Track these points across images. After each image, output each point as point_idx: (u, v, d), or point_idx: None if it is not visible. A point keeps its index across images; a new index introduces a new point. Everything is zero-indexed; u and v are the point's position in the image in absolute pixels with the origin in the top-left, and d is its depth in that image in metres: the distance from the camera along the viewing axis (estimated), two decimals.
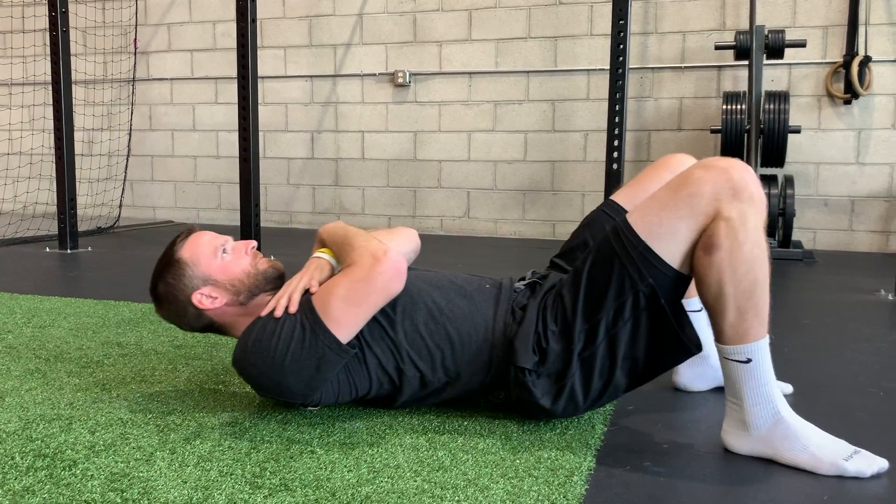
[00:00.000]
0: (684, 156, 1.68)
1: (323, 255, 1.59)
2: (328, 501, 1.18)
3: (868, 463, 1.29)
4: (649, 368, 1.43)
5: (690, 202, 1.32)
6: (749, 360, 1.31)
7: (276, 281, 1.60)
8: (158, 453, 1.37)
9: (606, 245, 1.41)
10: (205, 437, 1.45)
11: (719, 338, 1.35)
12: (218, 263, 1.54)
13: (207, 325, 1.58)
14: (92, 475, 1.27)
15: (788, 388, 1.73)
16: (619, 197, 1.71)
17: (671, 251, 1.34)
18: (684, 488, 1.27)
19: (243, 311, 1.56)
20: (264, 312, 1.48)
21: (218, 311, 1.55)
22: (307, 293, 1.49)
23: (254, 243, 1.61)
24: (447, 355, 1.50)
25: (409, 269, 1.56)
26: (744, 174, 1.31)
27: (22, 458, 1.34)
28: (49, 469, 1.30)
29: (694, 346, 1.40)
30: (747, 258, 1.29)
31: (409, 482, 1.26)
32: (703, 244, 1.32)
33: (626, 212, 1.52)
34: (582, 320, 1.41)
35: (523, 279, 1.63)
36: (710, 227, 1.31)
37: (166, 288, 1.55)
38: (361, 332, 1.48)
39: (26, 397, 1.68)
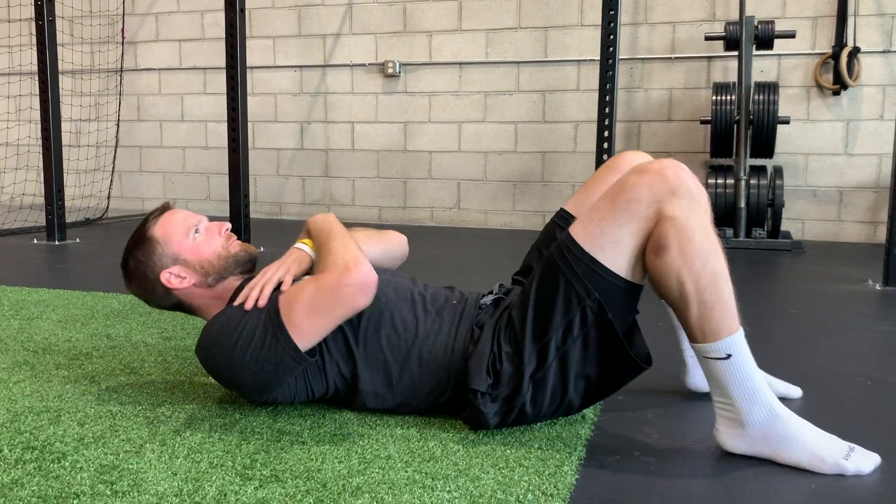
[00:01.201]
0: (633, 153, 1.63)
1: (304, 248, 1.57)
2: (319, 492, 1.18)
3: (866, 460, 1.29)
4: (603, 387, 1.42)
5: (629, 208, 1.31)
6: (729, 356, 1.29)
7: (247, 265, 1.59)
8: (148, 445, 1.36)
9: (551, 261, 1.39)
10: (195, 429, 1.44)
11: (693, 338, 1.33)
12: (189, 243, 1.54)
13: (175, 304, 1.57)
14: (81, 467, 1.27)
15: (797, 392, 1.67)
16: (570, 205, 1.68)
17: (617, 260, 1.33)
18: (674, 479, 1.28)
19: (212, 293, 1.55)
20: (236, 302, 1.46)
21: (186, 292, 1.54)
22: (278, 289, 1.47)
23: (228, 225, 1.60)
24: (405, 374, 1.48)
25: (384, 273, 1.54)
26: (678, 172, 1.30)
27: (10, 451, 1.33)
28: (38, 462, 1.29)
29: (642, 362, 1.39)
30: (700, 252, 1.28)
31: (399, 472, 1.26)
32: (652, 248, 1.30)
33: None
34: (532, 340, 1.38)
35: (491, 293, 1.61)
36: (655, 230, 1.30)
37: (136, 264, 1.54)
38: (324, 339, 1.46)
39: (14, 389, 1.67)
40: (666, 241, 1.28)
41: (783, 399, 1.53)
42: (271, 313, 1.41)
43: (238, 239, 1.62)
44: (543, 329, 1.38)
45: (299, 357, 1.40)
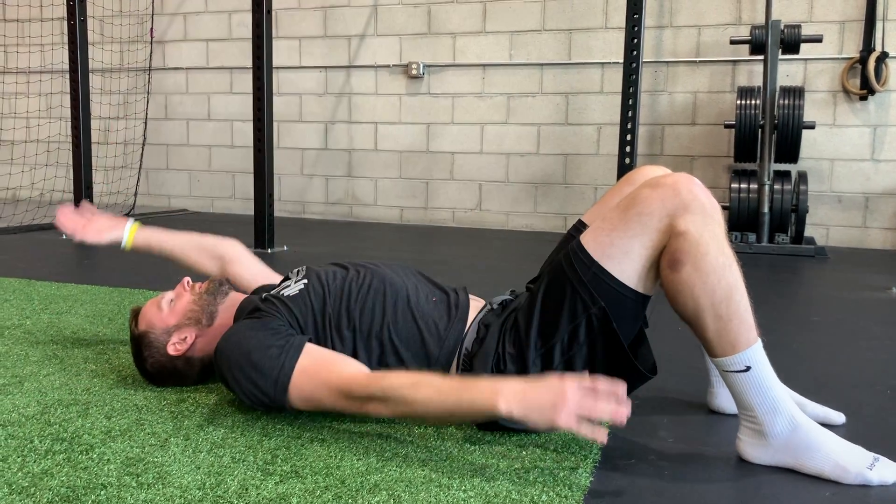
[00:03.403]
0: (651, 168, 1.63)
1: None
2: (338, 489, 1.21)
3: (891, 471, 1.28)
4: None
5: (640, 220, 1.32)
6: (748, 368, 1.30)
7: (223, 287, 1.70)
8: (173, 439, 1.40)
9: (560, 268, 1.40)
10: (218, 425, 1.48)
11: (712, 352, 1.33)
12: (167, 313, 1.65)
13: (202, 365, 1.66)
14: (108, 459, 1.31)
15: (840, 419, 1.55)
16: (587, 216, 1.69)
17: (625, 270, 1.34)
18: (688, 483, 1.29)
19: (215, 330, 1.63)
20: None
21: (197, 347, 1.63)
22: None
23: (187, 279, 1.71)
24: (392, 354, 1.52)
25: (376, 272, 1.59)
26: (691, 187, 1.31)
27: (41, 442, 1.37)
28: (67, 453, 1.33)
29: (647, 371, 1.40)
30: (715, 266, 1.28)
31: (416, 471, 1.28)
32: (667, 263, 1.31)
33: None
34: (536, 344, 1.40)
35: (504, 296, 1.63)
36: (669, 245, 1.30)
37: (150, 362, 1.66)
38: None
39: (44, 382, 1.72)
40: (680, 256, 1.29)
41: (824, 425, 1.49)
42: (293, 346, 1.44)
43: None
44: (549, 334, 1.40)
45: (280, 397, 1.42)
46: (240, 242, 2.02)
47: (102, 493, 1.18)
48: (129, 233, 1.98)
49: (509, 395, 1.23)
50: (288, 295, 1.56)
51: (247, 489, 1.20)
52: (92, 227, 1.97)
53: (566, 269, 1.39)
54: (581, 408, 1.19)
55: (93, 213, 2.00)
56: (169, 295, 1.68)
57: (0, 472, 1.24)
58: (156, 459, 1.31)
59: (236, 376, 1.45)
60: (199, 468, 1.28)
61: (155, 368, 1.66)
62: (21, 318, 2.34)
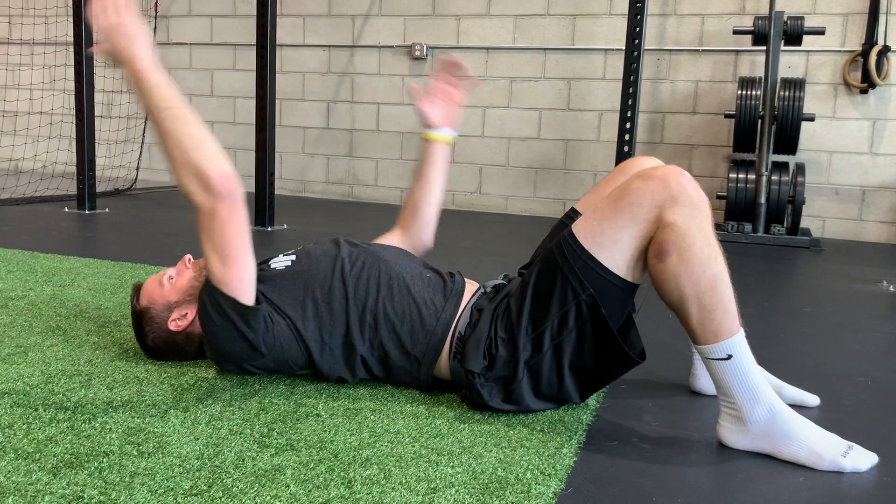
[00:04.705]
0: (645, 158, 1.68)
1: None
2: (331, 462, 1.26)
3: (864, 458, 1.33)
4: (598, 378, 1.48)
5: (631, 210, 1.36)
6: (730, 357, 1.34)
7: None
8: (172, 411, 1.45)
9: (551, 255, 1.45)
10: (216, 398, 1.53)
11: (695, 339, 1.38)
12: (168, 289, 1.68)
13: (202, 341, 1.68)
14: (110, 428, 1.35)
15: (813, 400, 1.65)
16: (580, 204, 1.74)
17: (614, 259, 1.38)
18: (669, 465, 1.34)
19: None
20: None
21: (197, 324, 1.66)
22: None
23: (188, 256, 1.74)
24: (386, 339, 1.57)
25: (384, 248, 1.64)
26: (680, 180, 1.34)
27: (45, 410, 1.42)
28: (70, 421, 1.38)
29: (637, 356, 1.44)
30: (700, 258, 1.33)
31: (407, 447, 1.33)
32: (654, 252, 1.35)
33: None
34: (527, 329, 1.45)
35: (497, 280, 1.68)
36: (657, 235, 1.35)
37: (151, 337, 1.70)
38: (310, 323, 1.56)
39: (48, 353, 1.77)
40: (667, 247, 1.33)
41: (799, 406, 1.57)
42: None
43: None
44: (539, 319, 1.44)
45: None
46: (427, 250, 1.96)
47: (105, 460, 1.23)
48: (441, 136, 1.86)
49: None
50: (274, 268, 1.63)
51: (243, 460, 1.25)
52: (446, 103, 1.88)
53: (557, 257, 1.43)
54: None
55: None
56: (170, 271, 1.72)
57: (7, 438, 1.29)
58: (156, 430, 1.36)
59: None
60: (198, 439, 1.33)
61: (156, 343, 1.70)
62: (25, 289, 2.38)
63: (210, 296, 1.49)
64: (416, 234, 1.91)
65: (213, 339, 1.55)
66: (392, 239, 1.89)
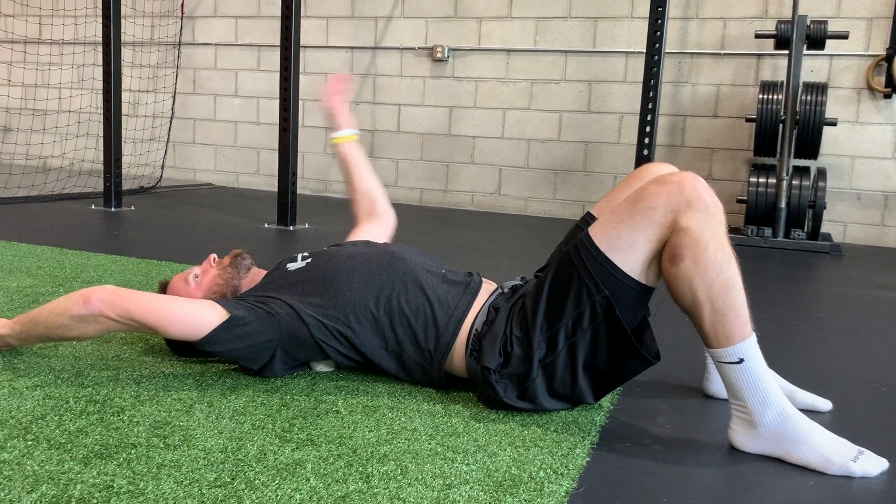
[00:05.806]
0: (660, 165, 1.70)
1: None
2: (349, 457, 1.30)
3: (873, 464, 1.35)
4: (611, 378, 1.50)
5: (647, 214, 1.39)
6: (741, 361, 1.36)
7: (244, 261, 1.81)
8: (197, 405, 1.50)
9: (568, 257, 1.48)
10: (240, 393, 1.57)
11: (708, 343, 1.40)
12: (193, 287, 1.75)
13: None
14: (138, 421, 1.40)
15: (827, 406, 1.66)
16: (595, 209, 1.76)
17: (629, 262, 1.41)
18: (680, 467, 1.36)
19: None
20: None
21: None
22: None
23: (213, 255, 1.81)
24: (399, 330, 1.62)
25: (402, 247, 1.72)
26: (695, 185, 1.37)
27: (76, 403, 1.48)
28: (100, 414, 1.43)
29: (652, 357, 1.46)
30: (713, 262, 1.35)
31: (423, 444, 1.37)
32: (668, 256, 1.38)
33: None
34: (542, 328, 1.48)
35: (514, 281, 1.72)
36: (671, 240, 1.37)
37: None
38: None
39: (78, 348, 1.83)
40: (680, 251, 1.36)
41: (811, 411, 1.59)
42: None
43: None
44: (554, 318, 1.47)
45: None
46: (395, 219, 2.15)
47: (133, 451, 1.28)
48: (346, 137, 2.12)
49: None
50: (289, 269, 1.71)
51: (265, 454, 1.30)
52: (338, 101, 2.14)
53: (574, 259, 1.46)
54: None
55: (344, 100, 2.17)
56: (196, 270, 1.77)
57: (39, 429, 1.35)
58: (181, 423, 1.41)
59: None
60: (222, 433, 1.37)
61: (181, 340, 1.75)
62: (54, 285, 2.45)
63: (201, 346, 1.57)
64: (379, 213, 2.08)
65: (243, 357, 1.62)
66: (364, 230, 2.01)
